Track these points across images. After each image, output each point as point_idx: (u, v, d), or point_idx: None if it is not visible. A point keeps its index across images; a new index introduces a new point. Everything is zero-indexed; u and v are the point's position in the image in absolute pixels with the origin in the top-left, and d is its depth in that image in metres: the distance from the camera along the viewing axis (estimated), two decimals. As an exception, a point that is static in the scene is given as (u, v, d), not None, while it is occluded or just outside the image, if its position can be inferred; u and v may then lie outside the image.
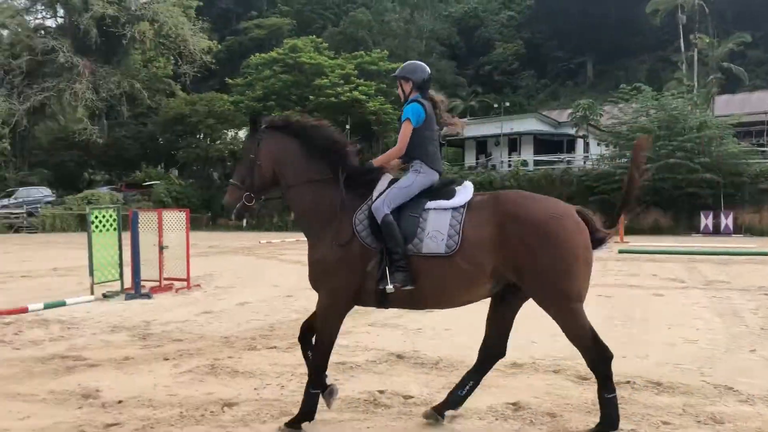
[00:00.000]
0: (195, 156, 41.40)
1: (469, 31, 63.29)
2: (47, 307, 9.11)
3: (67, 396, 5.03)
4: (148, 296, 10.15)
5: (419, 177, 4.18)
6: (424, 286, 3.97)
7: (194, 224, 19.91)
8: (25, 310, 8.87)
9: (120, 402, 4.79)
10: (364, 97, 36.96)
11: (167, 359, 6.19)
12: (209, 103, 40.71)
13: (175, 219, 11.01)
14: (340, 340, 6.87)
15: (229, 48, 55.99)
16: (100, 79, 40.75)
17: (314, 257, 4.15)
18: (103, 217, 10.42)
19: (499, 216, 3.91)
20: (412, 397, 4.94)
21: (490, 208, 3.97)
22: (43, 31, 43.09)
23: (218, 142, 41.93)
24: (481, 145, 40.48)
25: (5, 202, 37.31)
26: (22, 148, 45.57)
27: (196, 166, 43.24)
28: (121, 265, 10.59)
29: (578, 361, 4.74)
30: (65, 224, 35.69)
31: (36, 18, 44.18)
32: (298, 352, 6.34)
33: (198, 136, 42.31)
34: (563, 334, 3.96)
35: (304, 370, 5.69)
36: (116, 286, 10.52)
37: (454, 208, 4.02)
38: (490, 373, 4.51)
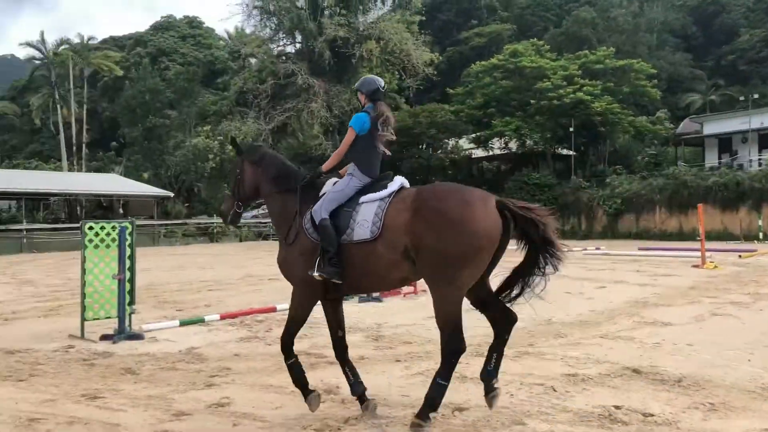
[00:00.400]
0: (418, 165, 43.04)
1: (707, 20, 57.62)
2: (292, 306, 10.11)
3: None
4: (378, 300, 10.75)
5: (352, 181, 4.77)
6: (357, 269, 4.53)
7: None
8: (273, 310, 9.93)
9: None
10: (588, 97, 35.40)
11: (398, 361, 6.50)
12: (431, 114, 42.04)
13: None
14: (569, 351, 6.69)
15: (450, 59, 57.37)
16: (333, 97, 44.27)
17: (279, 255, 4.88)
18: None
19: (416, 203, 4.38)
20: (652, 415, 4.65)
21: (411, 196, 4.46)
22: (284, 57, 48.02)
23: (439, 151, 43.12)
24: (725, 142, 36.40)
25: (255, 212, 42.28)
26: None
27: (418, 176, 44.94)
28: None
29: None
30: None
31: (278, 45, 49.45)
32: (527, 360, 6.32)
33: (420, 147, 43.91)
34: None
35: (534, 379, 5.64)
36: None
37: (381, 199, 4.57)
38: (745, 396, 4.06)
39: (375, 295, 10.81)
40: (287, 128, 48.37)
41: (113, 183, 40.25)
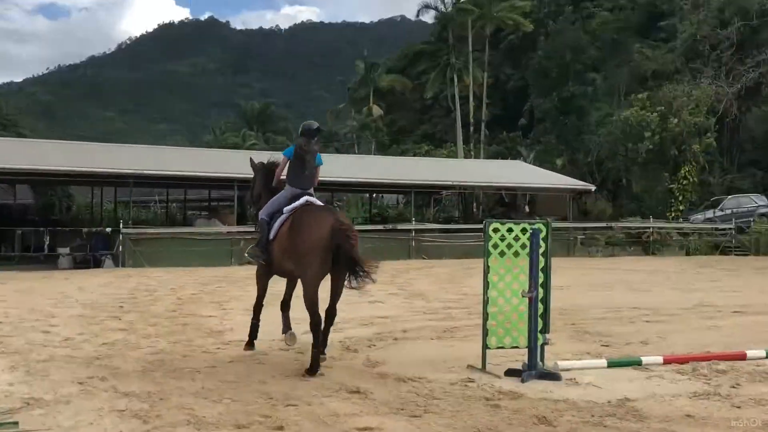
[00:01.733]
0: None
1: None
2: (774, 355, 9.44)
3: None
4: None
5: (284, 193, 9.69)
6: (273, 259, 9.42)
7: None
8: (742, 357, 9.40)
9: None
10: None
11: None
12: None
13: None
14: None
15: None
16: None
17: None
18: None
19: (292, 218, 9.15)
20: None
21: (297, 212, 9.19)
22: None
23: None
24: None
25: (709, 214, 40.49)
26: (730, 143, 48.72)
27: None
28: None
29: None
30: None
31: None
32: None
33: None
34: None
35: None
36: None
37: (288, 213, 9.30)
38: None
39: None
40: (761, 90, 45.22)
41: (518, 172, 42.70)
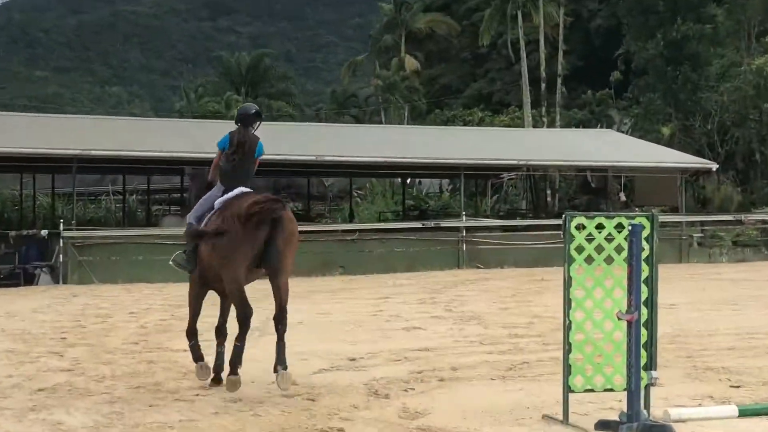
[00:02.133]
0: None
1: None
2: None
3: None
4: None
5: (214, 190, 11.27)
6: (203, 264, 10.87)
7: None
8: None
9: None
10: None
11: None
12: None
13: None
14: None
15: None
16: None
17: None
18: None
19: (220, 211, 10.73)
20: None
21: (225, 203, 10.77)
22: None
23: None
24: None
25: None
26: None
27: None
28: None
29: None
30: None
31: None
32: None
33: None
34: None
35: None
36: None
37: (217, 207, 10.84)
38: None
39: None
40: None
41: (609, 146, 42.11)
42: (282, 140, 32.19)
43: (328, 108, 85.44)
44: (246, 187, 11.00)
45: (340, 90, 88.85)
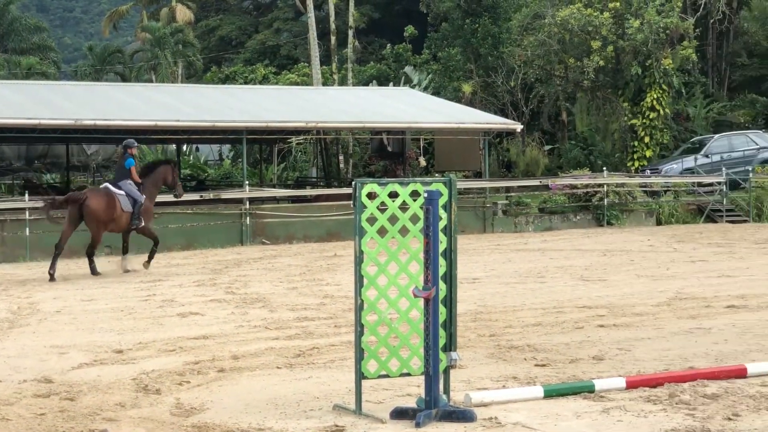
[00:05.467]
0: None
1: None
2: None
3: None
4: None
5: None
6: None
7: None
8: (742, 373, 9.78)
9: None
10: None
11: None
12: None
13: None
14: None
15: None
16: None
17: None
18: None
19: None
20: None
21: None
22: None
23: None
24: None
25: (689, 162, 40.75)
26: (716, 56, 50.13)
27: None
28: None
29: None
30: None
31: None
32: None
33: None
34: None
35: None
36: None
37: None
38: None
39: None
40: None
41: (406, 105, 42.32)
42: (35, 102, 31.51)
43: (89, 65, 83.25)
44: (111, 183, 21.63)
45: (102, 44, 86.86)
